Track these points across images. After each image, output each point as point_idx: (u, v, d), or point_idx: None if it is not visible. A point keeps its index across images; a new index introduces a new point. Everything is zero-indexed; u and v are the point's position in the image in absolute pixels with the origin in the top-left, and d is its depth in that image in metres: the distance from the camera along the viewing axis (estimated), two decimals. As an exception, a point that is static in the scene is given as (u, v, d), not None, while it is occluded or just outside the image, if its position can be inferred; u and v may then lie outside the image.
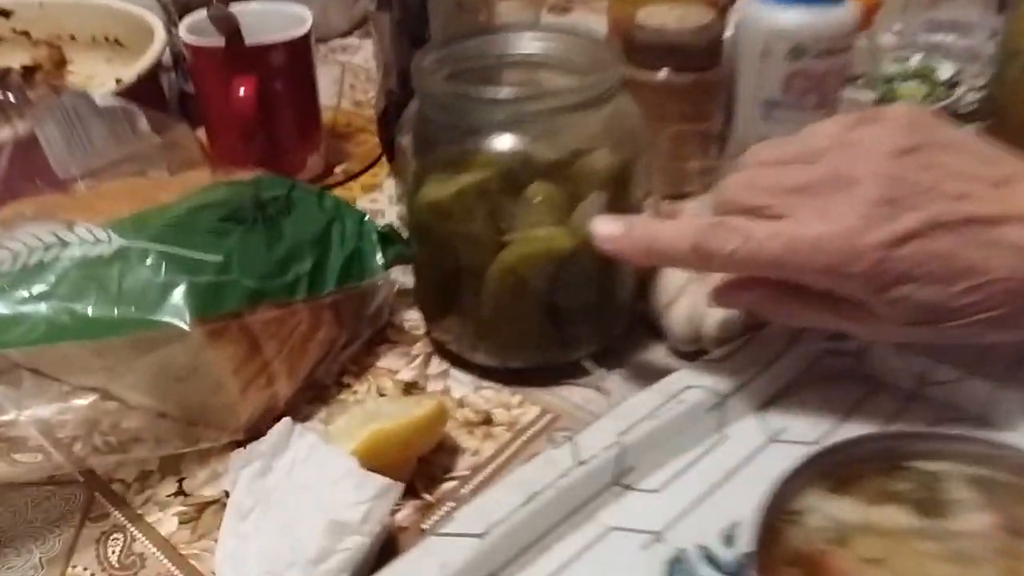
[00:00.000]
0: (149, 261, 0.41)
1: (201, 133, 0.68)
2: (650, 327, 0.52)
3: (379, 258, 0.50)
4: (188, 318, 0.40)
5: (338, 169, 0.71)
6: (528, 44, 0.48)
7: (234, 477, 0.39)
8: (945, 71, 0.77)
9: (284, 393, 0.45)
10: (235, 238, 0.43)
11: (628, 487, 0.43)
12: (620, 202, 0.46)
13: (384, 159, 0.71)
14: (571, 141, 0.45)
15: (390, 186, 0.69)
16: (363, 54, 0.94)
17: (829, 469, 0.37)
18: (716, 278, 0.49)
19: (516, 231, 0.45)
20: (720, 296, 0.44)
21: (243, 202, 0.46)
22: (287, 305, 0.44)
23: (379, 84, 0.64)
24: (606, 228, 0.42)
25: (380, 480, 0.37)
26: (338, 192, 0.68)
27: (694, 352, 0.50)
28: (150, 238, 0.41)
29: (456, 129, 0.44)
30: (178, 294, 0.40)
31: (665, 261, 0.41)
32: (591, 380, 0.49)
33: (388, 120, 0.64)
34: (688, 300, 0.49)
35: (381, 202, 0.67)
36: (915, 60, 0.79)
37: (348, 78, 0.88)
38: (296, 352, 0.45)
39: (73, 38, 0.83)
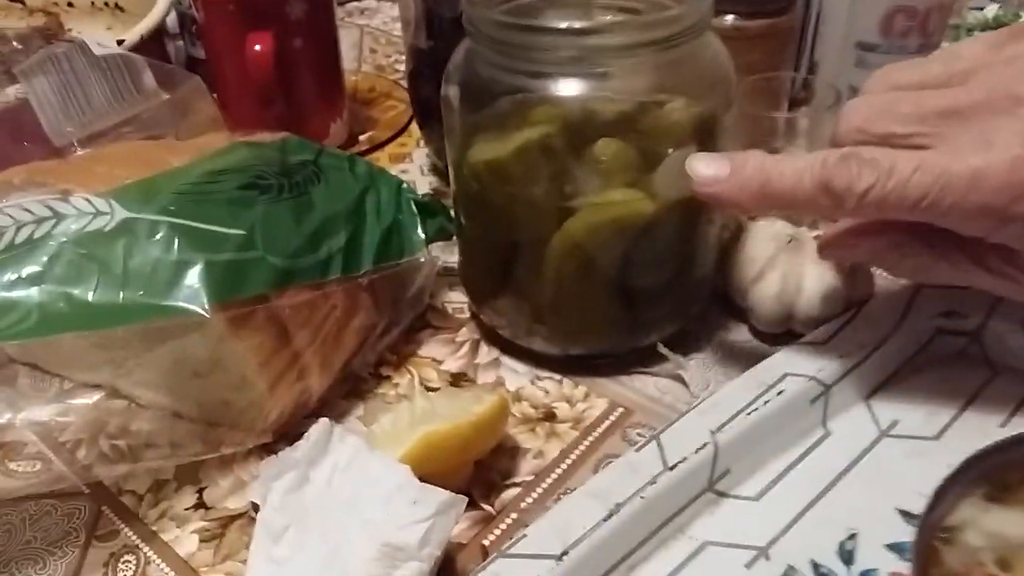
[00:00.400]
0: (159, 236, 0.35)
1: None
2: (729, 305, 0.46)
3: (420, 232, 0.44)
4: (206, 303, 0.34)
5: (363, 137, 0.64)
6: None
7: (264, 490, 0.33)
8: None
9: (317, 389, 0.39)
10: (259, 209, 0.37)
11: (723, 494, 0.37)
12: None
13: (414, 125, 0.65)
14: (651, 85, 0.39)
15: (420, 156, 0.63)
16: (382, 16, 0.87)
17: (984, 475, 0.31)
18: (811, 247, 0.43)
19: (583, 195, 0.38)
20: (834, 246, 0.37)
21: (267, 167, 0.39)
22: (320, 287, 0.38)
23: (407, 41, 0.58)
24: (708, 168, 0.35)
25: (441, 494, 0.31)
26: (365, 162, 0.62)
27: (782, 334, 0.44)
28: (159, 209, 0.35)
29: (514, 72, 0.37)
30: (194, 275, 0.34)
31: (782, 204, 0.34)
32: (666, 368, 0.43)
33: (419, 80, 0.57)
34: (777, 274, 0.43)
35: (412, 173, 0.61)
36: (991, 10, 0.72)
37: (368, 42, 0.82)
38: (330, 341, 0.39)
39: (71, 4, 0.76)
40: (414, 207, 0.45)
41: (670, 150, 0.39)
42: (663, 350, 0.42)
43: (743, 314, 0.45)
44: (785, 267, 0.43)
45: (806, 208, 0.35)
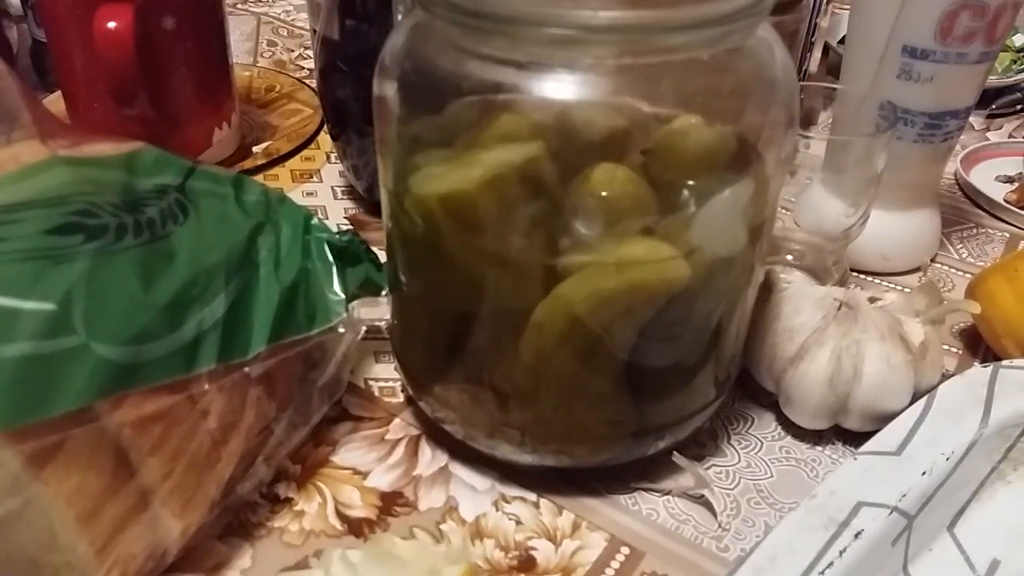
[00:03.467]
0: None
1: (59, 99, 0.47)
2: (750, 388, 0.35)
3: (336, 288, 0.31)
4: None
5: (258, 149, 0.51)
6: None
7: None
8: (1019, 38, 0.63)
9: (177, 538, 0.25)
10: (80, 265, 0.23)
11: None
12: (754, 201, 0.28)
13: (324, 135, 0.52)
14: (677, 93, 0.27)
15: (332, 173, 0.49)
16: (283, 4, 0.73)
17: None
18: (870, 316, 0.32)
19: (583, 250, 0.26)
20: None
21: (100, 196, 0.25)
22: (183, 387, 0.24)
23: (317, 31, 0.45)
24: None
25: None
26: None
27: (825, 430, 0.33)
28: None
29: (486, 60, 0.25)
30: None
31: None
32: (682, 483, 0.31)
33: (332, 79, 0.44)
34: (827, 352, 0.32)
35: (321, 195, 0.48)
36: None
37: (266, 33, 0.68)
38: (199, 466, 0.25)
39: None
40: (328, 252, 0.32)
41: (702, 184, 0.27)
42: (680, 460, 0.30)
43: (769, 399, 0.34)
44: (837, 343, 0.32)
45: None
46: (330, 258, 0.32)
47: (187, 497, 0.25)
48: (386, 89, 0.27)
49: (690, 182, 0.27)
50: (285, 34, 0.68)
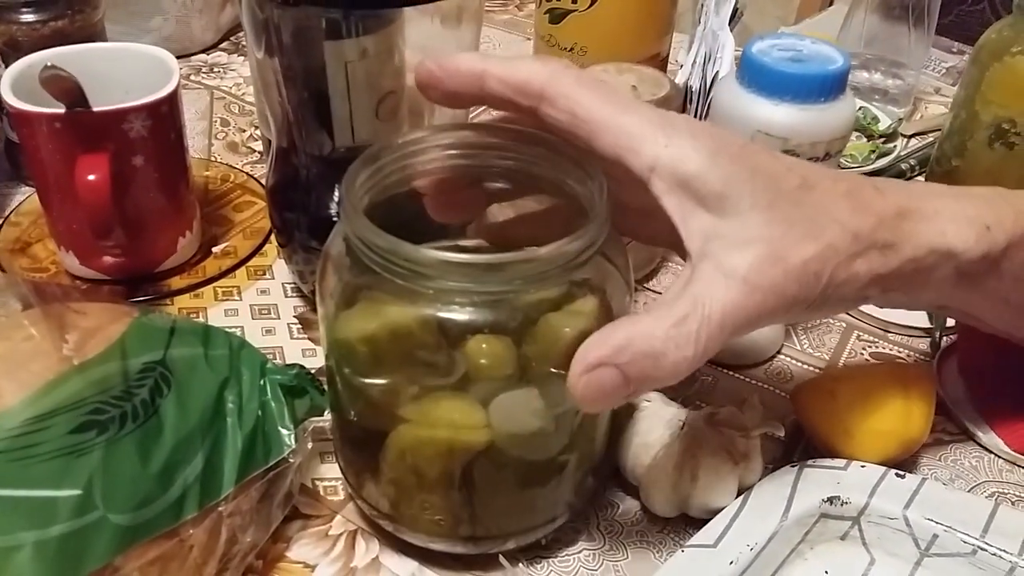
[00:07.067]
0: (-29, 517, 0.29)
1: (36, 200, 0.54)
2: (622, 480, 0.44)
3: (288, 422, 0.40)
4: (34, 598, 0.28)
5: (217, 250, 0.58)
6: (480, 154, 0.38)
7: None
8: (884, 121, 0.72)
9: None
10: (96, 455, 0.32)
11: None
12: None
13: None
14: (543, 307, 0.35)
15: (282, 271, 0.57)
16: (233, 76, 0.80)
17: None
18: (704, 434, 0.42)
19: (428, 400, 0.35)
20: None
21: (105, 394, 0.34)
22: (174, 534, 0.33)
23: (269, 149, 0.52)
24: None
25: None
26: (222, 286, 0.55)
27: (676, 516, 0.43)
28: (-30, 480, 0.29)
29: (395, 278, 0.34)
30: (21, 562, 0.28)
31: None
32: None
33: (280, 201, 0.52)
34: (672, 463, 0.41)
35: (274, 294, 0.56)
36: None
37: (218, 110, 0.75)
38: (188, 584, 0.34)
39: None
40: (280, 392, 0.40)
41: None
42: (503, 561, 0.39)
43: (634, 489, 0.44)
44: (680, 457, 0.41)
45: None
46: (282, 397, 0.40)
47: (178, 610, 0.34)
48: (333, 251, 0.36)
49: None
50: (236, 111, 0.75)
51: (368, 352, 0.35)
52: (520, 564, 0.40)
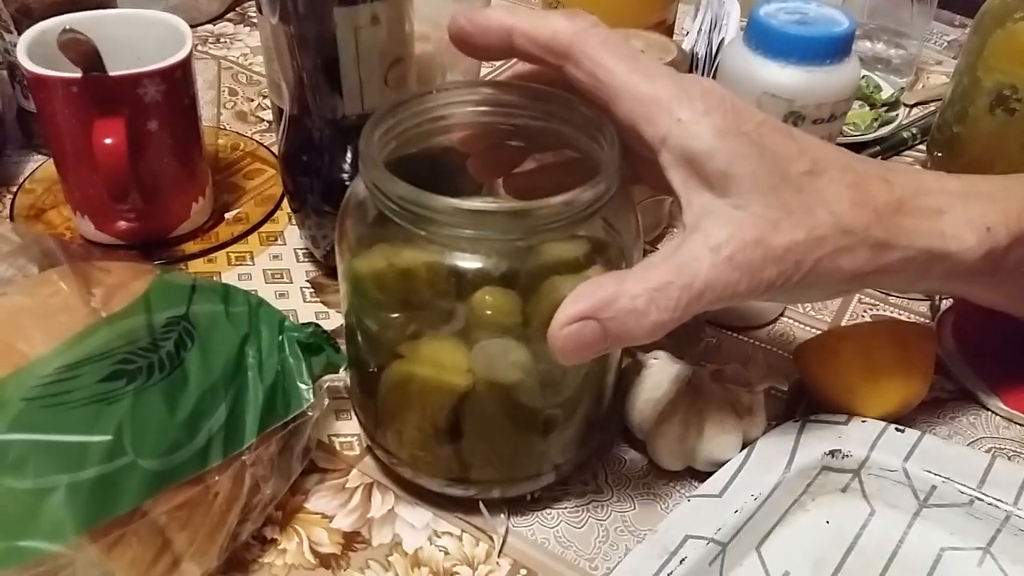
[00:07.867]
0: (9, 459, 0.30)
1: (51, 166, 0.55)
2: (630, 435, 0.45)
3: (306, 377, 0.41)
4: (74, 535, 0.29)
5: (229, 215, 0.59)
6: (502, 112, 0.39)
7: None
8: (887, 90, 0.72)
9: (197, 582, 0.36)
10: (126, 403, 0.33)
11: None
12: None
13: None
14: (556, 256, 0.37)
15: (294, 236, 0.58)
16: (240, 46, 0.80)
17: None
18: (709, 389, 0.43)
19: (423, 340, 0.37)
20: None
21: (133, 344, 0.35)
22: (200, 480, 0.34)
23: (280, 117, 0.53)
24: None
25: None
26: (235, 252, 0.56)
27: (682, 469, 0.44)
28: (7, 424, 0.30)
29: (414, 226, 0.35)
30: (55, 503, 0.30)
31: None
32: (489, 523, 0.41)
33: (293, 166, 0.53)
34: (679, 418, 0.42)
35: (286, 258, 0.57)
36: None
37: (226, 80, 0.75)
38: (213, 530, 0.35)
39: None
40: (298, 348, 0.41)
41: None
42: (483, 508, 0.41)
43: (640, 443, 0.45)
44: (686, 412, 0.42)
45: None
46: (299, 353, 0.41)
47: (204, 551, 0.35)
48: (347, 222, 0.37)
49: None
50: (244, 80, 0.75)
51: (376, 288, 0.37)
52: (502, 515, 0.41)
